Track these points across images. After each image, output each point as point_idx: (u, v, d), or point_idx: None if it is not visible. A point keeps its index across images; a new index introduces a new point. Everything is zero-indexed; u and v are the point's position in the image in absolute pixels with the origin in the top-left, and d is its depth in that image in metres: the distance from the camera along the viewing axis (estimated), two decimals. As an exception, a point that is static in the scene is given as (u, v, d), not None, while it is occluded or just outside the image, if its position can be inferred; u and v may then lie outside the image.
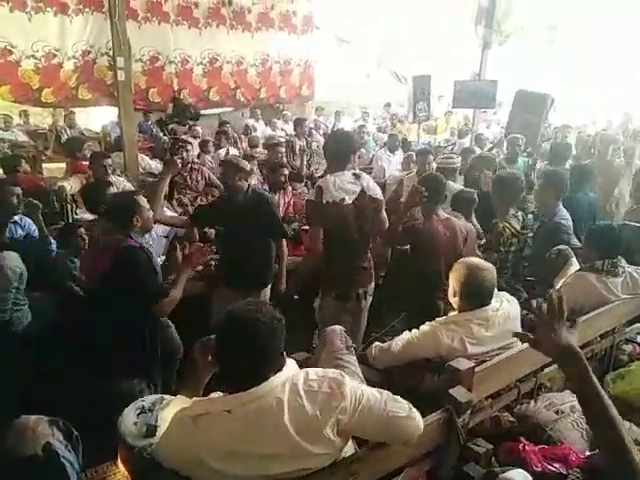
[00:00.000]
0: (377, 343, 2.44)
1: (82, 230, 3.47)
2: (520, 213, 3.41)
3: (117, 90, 4.71)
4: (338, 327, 2.26)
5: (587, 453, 1.95)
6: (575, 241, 3.40)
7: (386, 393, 1.57)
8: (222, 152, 6.20)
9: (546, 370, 2.41)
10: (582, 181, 4.35)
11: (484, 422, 2.12)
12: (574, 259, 3.06)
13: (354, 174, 2.94)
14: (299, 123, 6.58)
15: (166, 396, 1.89)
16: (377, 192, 3.04)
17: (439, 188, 3.19)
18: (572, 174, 4.49)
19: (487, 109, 8.63)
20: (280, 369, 1.46)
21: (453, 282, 2.29)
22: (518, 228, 3.34)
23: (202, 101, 8.59)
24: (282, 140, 7.70)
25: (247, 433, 1.39)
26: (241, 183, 3.23)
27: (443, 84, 10.98)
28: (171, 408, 1.65)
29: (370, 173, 6.81)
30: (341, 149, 2.96)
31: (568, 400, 2.31)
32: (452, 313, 2.36)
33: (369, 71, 15.29)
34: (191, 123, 7.17)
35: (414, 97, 8.24)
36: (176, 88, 8.23)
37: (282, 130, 9.66)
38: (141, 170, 5.02)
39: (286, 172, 4.57)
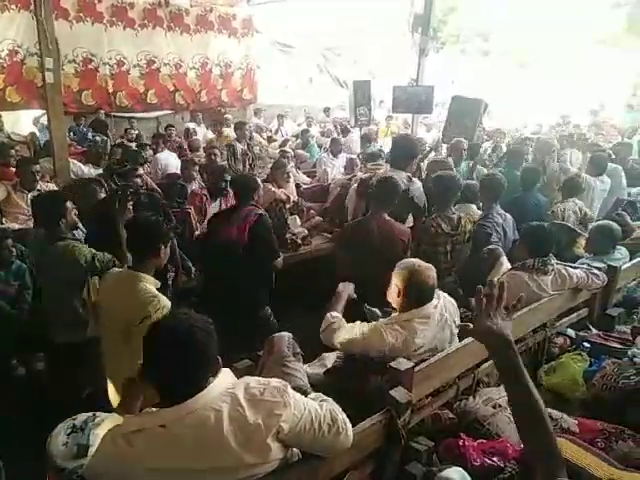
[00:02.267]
0: (334, 319, 2.39)
1: (9, 242, 3.26)
2: (456, 215, 3.50)
3: (45, 92, 4.47)
4: (286, 334, 2.24)
5: (522, 445, 2.02)
6: (496, 240, 3.54)
7: (326, 407, 1.56)
8: (160, 156, 6.02)
9: (484, 366, 2.50)
10: (531, 182, 4.59)
11: (425, 420, 2.16)
12: (504, 258, 3.19)
13: (408, 176, 3.65)
14: (240, 127, 6.49)
15: (99, 413, 1.80)
16: (420, 198, 3.60)
17: (392, 193, 3.32)
18: (522, 176, 4.72)
19: (425, 114, 8.85)
20: (215, 374, 1.43)
21: (397, 282, 2.32)
22: (445, 228, 3.43)
23: (139, 104, 8.35)
24: (223, 143, 7.61)
25: (184, 448, 1.34)
26: None
27: (384, 89, 11.26)
28: (104, 426, 1.57)
29: (314, 177, 6.86)
30: (407, 153, 3.74)
31: (504, 394, 2.39)
32: (394, 314, 2.39)
33: (311, 75, 15.38)
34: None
35: (355, 102, 8.34)
36: (111, 90, 7.96)
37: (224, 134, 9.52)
38: (72, 176, 4.78)
39: (228, 178, 4.49)
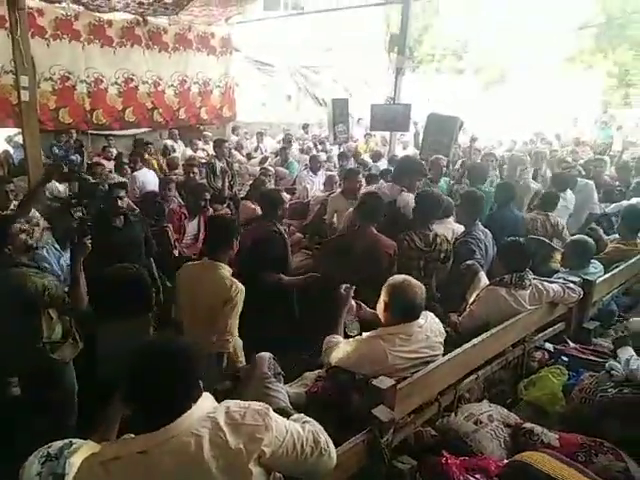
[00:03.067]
0: (330, 341, 2.44)
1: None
2: (432, 232, 3.53)
3: (20, 111, 4.41)
4: (267, 354, 2.22)
5: (505, 461, 2.03)
6: (479, 256, 3.59)
7: (308, 428, 1.55)
8: (138, 174, 5.98)
9: (465, 382, 2.51)
10: (508, 198, 4.65)
11: (407, 438, 2.15)
12: (482, 273, 3.23)
13: (400, 189, 3.89)
14: (219, 144, 6.49)
15: (75, 440, 1.75)
16: (407, 209, 3.73)
17: (377, 206, 3.41)
18: (497, 192, 4.79)
19: (402, 132, 8.99)
20: (196, 400, 1.41)
21: (385, 296, 2.35)
22: (418, 244, 3.46)
23: (117, 122, 8.28)
24: (202, 161, 7.60)
25: (163, 475, 1.31)
26: None
27: (362, 107, 11.41)
28: (80, 454, 1.53)
29: (294, 193, 6.89)
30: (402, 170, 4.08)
31: (486, 410, 2.41)
32: (380, 328, 2.40)
33: (290, 93, 15.53)
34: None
35: (334, 119, 8.45)
36: (88, 108, 7.88)
37: (203, 150, 9.52)
38: (48, 194, 4.71)
39: (207, 197, 4.47)
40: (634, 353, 2.54)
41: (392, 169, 6.50)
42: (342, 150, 8.76)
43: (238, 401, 1.52)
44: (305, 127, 13.45)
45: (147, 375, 1.39)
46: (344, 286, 2.62)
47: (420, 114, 9.10)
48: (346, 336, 2.51)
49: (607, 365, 2.64)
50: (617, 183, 6.94)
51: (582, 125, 15.12)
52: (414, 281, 2.36)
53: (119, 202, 3.65)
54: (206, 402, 1.45)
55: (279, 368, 2.15)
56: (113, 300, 2.69)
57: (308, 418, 1.67)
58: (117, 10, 7.48)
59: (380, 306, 2.36)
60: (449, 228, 4.06)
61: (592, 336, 3.31)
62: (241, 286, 2.69)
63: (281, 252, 3.71)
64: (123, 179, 5.50)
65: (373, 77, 13.32)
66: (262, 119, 13.68)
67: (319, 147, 11.44)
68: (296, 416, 1.72)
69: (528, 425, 2.28)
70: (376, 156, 8.84)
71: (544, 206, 4.73)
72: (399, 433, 2.06)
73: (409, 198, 3.87)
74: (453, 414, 2.35)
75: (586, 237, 3.78)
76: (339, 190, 5.08)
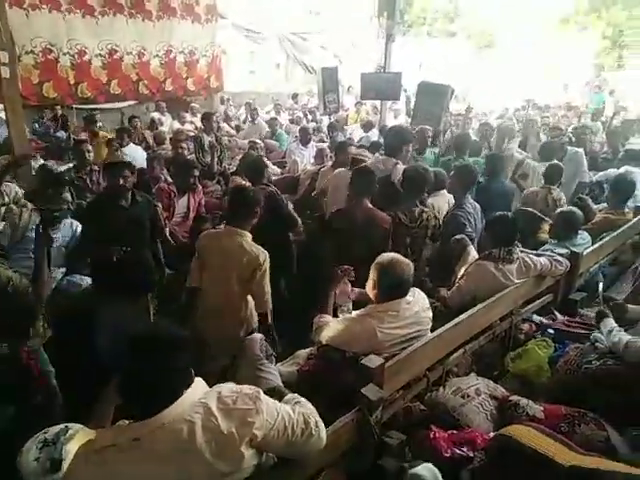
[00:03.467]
0: (319, 322, 2.50)
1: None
2: (418, 208, 3.53)
3: (1, 88, 4.30)
4: (258, 335, 2.26)
5: (491, 434, 2.10)
6: (470, 230, 3.61)
7: (298, 410, 1.58)
8: (126, 150, 5.88)
9: (453, 356, 2.56)
10: (497, 170, 4.63)
11: (397, 414, 2.21)
12: (471, 247, 3.26)
13: (395, 162, 3.98)
14: (207, 117, 6.38)
15: (71, 425, 1.78)
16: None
17: (370, 181, 3.42)
18: (487, 163, 4.77)
19: (393, 100, 8.87)
20: (188, 386, 1.44)
21: (373, 275, 2.38)
22: (403, 220, 3.47)
23: (102, 95, 8.08)
24: (190, 134, 7.48)
25: (158, 462, 1.35)
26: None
27: (352, 74, 11.20)
28: (77, 440, 1.56)
29: (284, 167, 6.83)
30: (398, 141, 4.05)
31: (473, 383, 2.47)
32: (369, 305, 2.44)
33: (278, 61, 15.20)
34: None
35: (323, 89, 8.32)
36: (72, 82, 7.68)
37: (191, 123, 9.35)
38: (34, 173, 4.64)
39: (196, 173, 4.42)
40: (615, 325, 2.60)
41: (382, 141, 6.48)
42: (332, 121, 8.65)
43: (230, 385, 1.55)
44: (294, 97, 13.23)
45: (138, 363, 1.41)
46: (344, 267, 2.66)
47: (411, 81, 9.00)
48: (336, 316, 2.55)
49: (591, 337, 2.70)
50: (604, 149, 6.93)
51: (573, 90, 14.98)
52: (401, 259, 2.39)
53: (124, 182, 3.61)
54: (198, 388, 1.47)
55: (270, 349, 2.19)
56: (113, 281, 2.67)
57: (300, 398, 1.72)
58: (97, -23, 7.21)
59: (369, 284, 2.39)
60: (445, 200, 4.09)
61: (578, 307, 3.38)
62: (266, 252, 2.84)
63: (286, 210, 4.11)
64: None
65: (363, 42, 13.03)
66: (251, 88, 13.42)
67: (309, 117, 11.30)
68: (289, 396, 1.76)
69: (514, 398, 2.35)
70: (367, 126, 8.74)
71: (548, 179, 4.66)
72: (388, 409, 2.12)
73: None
74: (441, 388, 2.41)
75: (574, 209, 3.80)
76: (330, 164, 5.04)
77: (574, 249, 3.43)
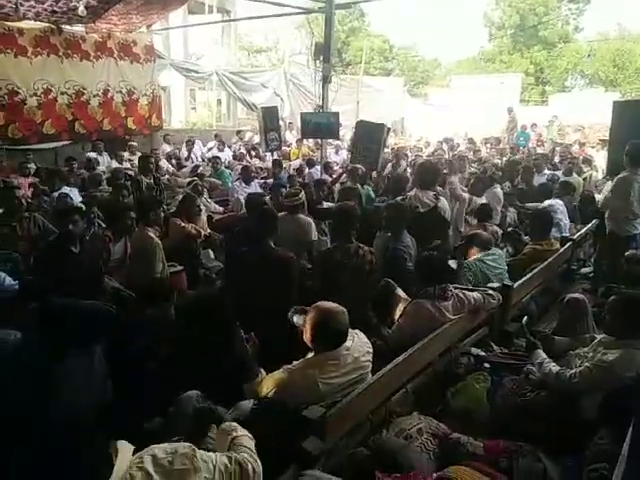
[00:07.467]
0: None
1: None
2: (354, 245, 3.57)
3: None
4: (194, 393, 2.20)
5: (434, 475, 2.11)
6: (410, 264, 3.71)
7: (235, 457, 1.59)
8: (56, 195, 5.67)
9: (395, 397, 2.59)
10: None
11: (341, 461, 2.19)
12: (398, 289, 3.30)
13: (435, 195, 4.62)
14: (143, 160, 6.29)
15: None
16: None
17: (352, 219, 3.58)
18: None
19: (332, 139, 9.12)
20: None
21: (309, 328, 2.34)
22: (339, 257, 3.52)
23: (35, 135, 7.85)
24: (130, 172, 7.34)
25: None
26: None
27: (293, 111, 11.45)
28: None
29: (228, 205, 6.80)
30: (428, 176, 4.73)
31: (415, 423, 2.48)
32: (309, 355, 2.42)
33: (220, 98, 15.31)
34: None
35: (265, 127, 8.44)
36: (2, 122, 7.41)
37: (130, 161, 9.20)
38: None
39: (133, 215, 4.31)
40: (545, 356, 2.73)
41: (326, 177, 6.61)
42: (274, 158, 8.75)
43: (164, 445, 1.52)
44: (238, 133, 13.32)
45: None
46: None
47: (350, 118, 9.30)
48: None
49: (525, 369, 2.82)
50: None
51: (497, 126, 15.95)
52: (335, 309, 2.35)
53: (74, 227, 3.48)
54: (126, 455, 1.44)
55: (208, 401, 2.13)
56: (58, 332, 2.50)
57: (239, 431, 1.77)
58: (28, 18, 7.06)
59: (307, 336, 2.36)
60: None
61: (514, 337, 3.51)
62: None
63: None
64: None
65: (303, 80, 13.39)
66: (192, 126, 13.39)
67: (253, 153, 11.37)
68: (227, 425, 1.84)
69: (454, 435, 2.39)
70: (310, 163, 8.91)
71: (480, 217, 5.06)
72: (332, 457, 2.10)
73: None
74: (384, 431, 2.42)
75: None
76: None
77: (506, 283, 3.59)
